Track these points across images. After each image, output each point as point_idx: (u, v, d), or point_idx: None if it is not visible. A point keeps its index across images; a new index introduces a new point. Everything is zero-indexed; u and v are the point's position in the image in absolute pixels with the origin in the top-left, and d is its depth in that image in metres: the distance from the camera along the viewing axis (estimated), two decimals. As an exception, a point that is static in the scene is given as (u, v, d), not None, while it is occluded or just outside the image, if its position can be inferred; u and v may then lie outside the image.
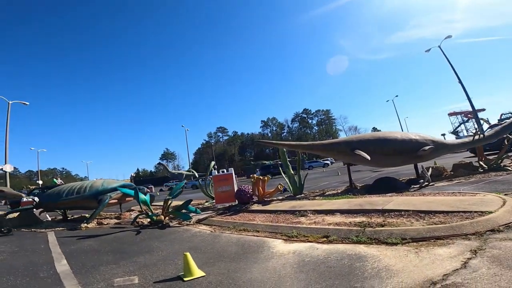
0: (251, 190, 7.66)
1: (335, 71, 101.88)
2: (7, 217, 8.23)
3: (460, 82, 23.91)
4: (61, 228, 7.40)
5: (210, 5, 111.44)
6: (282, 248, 4.00)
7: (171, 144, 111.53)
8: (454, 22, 75.93)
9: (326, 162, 39.93)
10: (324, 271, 2.98)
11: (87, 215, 9.68)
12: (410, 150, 8.08)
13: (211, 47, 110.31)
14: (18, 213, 8.41)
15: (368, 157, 7.54)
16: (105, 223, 7.72)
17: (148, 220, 7.14)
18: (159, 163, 71.67)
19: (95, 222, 7.64)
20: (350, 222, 4.69)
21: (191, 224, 6.63)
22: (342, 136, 69.25)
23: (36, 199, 8.64)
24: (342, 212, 5.39)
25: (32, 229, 7.53)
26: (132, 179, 38.69)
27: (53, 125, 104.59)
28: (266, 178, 7.69)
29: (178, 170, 38.86)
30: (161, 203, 7.22)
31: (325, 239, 4.17)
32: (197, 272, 3.13)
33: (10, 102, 19.25)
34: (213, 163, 10.14)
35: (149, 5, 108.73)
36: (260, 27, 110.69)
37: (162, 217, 6.83)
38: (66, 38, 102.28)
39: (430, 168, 9.43)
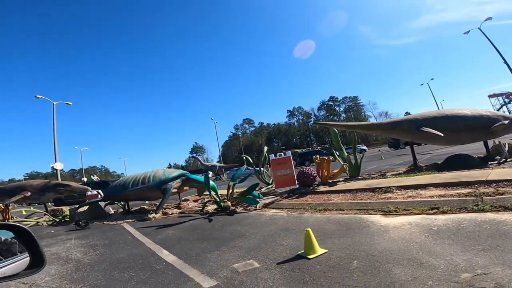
0: (314, 172, 7.33)
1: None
2: (78, 210, 8.67)
3: (506, 62, 22.03)
4: (130, 220, 7.61)
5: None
6: (389, 222, 3.69)
7: (199, 138, 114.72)
8: (485, 4, 70.38)
9: (362, 148, 38.69)
10: (469, 236, 2.72)
11: (146, 207, 10.02)
12: (482, 126, 7.55)
13: (233, 40, 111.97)
14: (87, 207, 8.82)
15: (440, 134, 6.97)
16: (170, 212, 7.83)
17: (213, 207, 7.12)
18: (192, 157, 74.58)
19: (161, 212, 7.78)
20: (456, 194, 4.26)
21: (258, 209, 6.47)
22: (373, 121, 67.75)
23: (101, 192, 9.01)
24: (436, 185, 4.94)
25: (104, 222, 7.85)
26: None
27: (91, 124, 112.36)
28: (330, 158, 7.31)
29: (208, 162, 39.53)
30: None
31: (435, 210, 3.83)
32: (319, 249, 2.88)
33: (54, 103, 20.09)
34: (266, 148, 9.91)
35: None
36: (283, 17, 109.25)
37: (229, 203, 6.75)
38: (99, 37, 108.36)
39: (507, 144, 8.58)
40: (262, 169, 9.63)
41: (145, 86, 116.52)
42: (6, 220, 9.93)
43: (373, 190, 5.53)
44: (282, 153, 8.29)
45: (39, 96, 19.09)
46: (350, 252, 2.79)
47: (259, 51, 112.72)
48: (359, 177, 8.31)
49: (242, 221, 5.40)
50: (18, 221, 9.60)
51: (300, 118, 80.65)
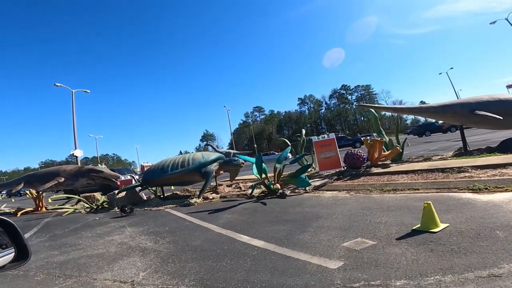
0: (364, 154, 7.10)
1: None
2: (117, 196, 8.66)
3: None
4: (171, 205, 7.50)
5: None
6: (491, 198, 3.54)
7: (209, 125, 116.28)
8: None
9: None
10: None
11: (178, 193, 9.97)
12: None
13: (243, 28, 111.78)
14: (125, 192, 8.80)
15: (499, 117, 6.81)
16: (210, 197, 7.73)
17: (258, 191, 6.97)
18: (206, 144, 76.75)
19: (202, 198, 7.69)
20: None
21: (309, 192, 6.31)
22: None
23: (136, 177, 8.94)
24: (518, 163, 4.63)
25: (144, 208, 7.79)
26: None
27: (104, 112, 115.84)
28: (382, 139, 7.07)
29: (222, 149, 39.98)
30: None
31: (537, 187, 3.55)
32: (440, 223, 2.69)
33: (73, 90, 20.16)
34: (303, 131, 9.69)
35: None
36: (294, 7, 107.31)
37: (278, 185, 6.59)
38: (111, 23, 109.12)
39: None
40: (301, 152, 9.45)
41: (156, 74, 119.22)
42: (39, 208, 10.05)
43: (442, 170, 5.30)
44: (326, 135, 8.06)
45: (58, 84, 19.18)
46: (478, 224, 2.62)
47: (270, 37, 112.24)
48: (402, 161, 8.07)
49: (304, 203, 5.24)
50: (54, 208, 9.69)
51: (311, 106, 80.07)
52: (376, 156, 7.08)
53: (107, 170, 10.60)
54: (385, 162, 7.36)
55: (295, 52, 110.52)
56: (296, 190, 6.69)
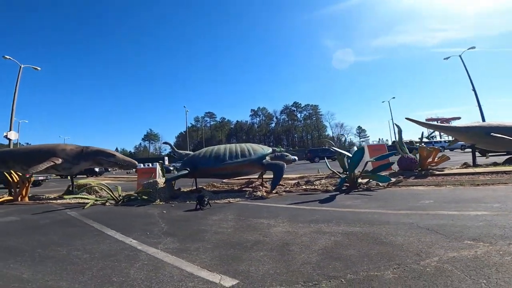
0: (416, 158, 8.37)
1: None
2: (159, 187, 7.59)
3: (474, 90, 27.66)
4: (237, 199, 6.96)
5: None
6: None
7: (150, 125, 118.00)
8: (436, 32, 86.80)
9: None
10: None
11: (204, 187, 9.27)
12: None
13: (205, 33, 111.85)
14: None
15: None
16: (274, 192, 7.59)
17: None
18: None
19: (264, 191, 7.54)
20: None
21: (388, 187, 7.03)
22: (329, 131, 79.69)
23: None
24: None
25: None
26: None
27: (34, 94, 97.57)
28: (439, 149, 8.51)
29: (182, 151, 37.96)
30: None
31: None
32: None
33: (22, 65, 17.53)
34: (346, 137, 10.46)
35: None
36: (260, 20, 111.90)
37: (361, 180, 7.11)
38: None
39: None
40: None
41: (101, 65, 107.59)
42: (20, 198, 7.96)
43: (505, 172, 6.80)
44: (379, 139, 9.04)
45: (7, 57, 16.84)
46: None
47: (232, 44, 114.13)
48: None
49: (417, 193, 5.84)
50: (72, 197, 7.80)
51: (263, 119, 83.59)
52: (428, 161, 8.40)
53: (119, 155, 9.14)
54: (432, 168, 8.70)
55: (254, 64, 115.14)
56: (368, 185, 7.29)
